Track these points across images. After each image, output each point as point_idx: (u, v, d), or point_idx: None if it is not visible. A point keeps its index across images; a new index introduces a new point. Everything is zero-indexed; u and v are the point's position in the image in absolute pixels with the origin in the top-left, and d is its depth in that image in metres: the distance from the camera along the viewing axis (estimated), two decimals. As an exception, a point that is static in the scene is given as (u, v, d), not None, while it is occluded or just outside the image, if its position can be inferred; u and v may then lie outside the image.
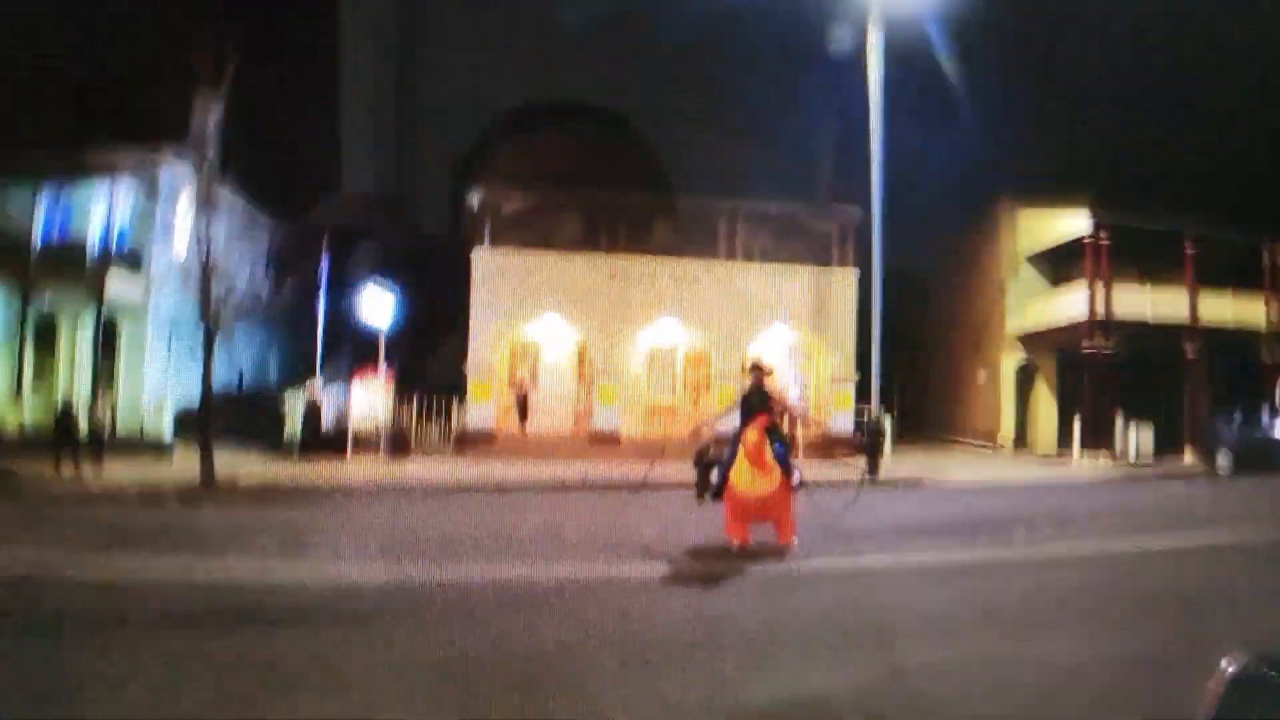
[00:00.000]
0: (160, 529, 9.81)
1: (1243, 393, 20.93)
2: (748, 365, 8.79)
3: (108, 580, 6.87)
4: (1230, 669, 1.25)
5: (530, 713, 4.17)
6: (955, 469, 18.38)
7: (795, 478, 8.30)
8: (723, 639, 5.42)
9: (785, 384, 18.92)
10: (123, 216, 19.82)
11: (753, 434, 7.97)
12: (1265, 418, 18.25)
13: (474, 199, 20.97)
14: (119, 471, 14.40)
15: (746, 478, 7.95)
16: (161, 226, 19.45)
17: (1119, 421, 20.90)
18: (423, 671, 4.72)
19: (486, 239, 20.73)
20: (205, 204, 14.48)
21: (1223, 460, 18.18)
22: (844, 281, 21.50)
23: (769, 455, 8.00)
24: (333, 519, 11.11)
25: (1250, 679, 1.25)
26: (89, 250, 19.23)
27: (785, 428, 8.65)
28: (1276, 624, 5.41)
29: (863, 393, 20.74)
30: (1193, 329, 22.13)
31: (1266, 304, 22.98)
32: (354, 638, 5.34)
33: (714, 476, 8.48)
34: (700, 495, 12.61)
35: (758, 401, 8.39)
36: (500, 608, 6.21)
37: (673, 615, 6.06)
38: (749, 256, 21.85)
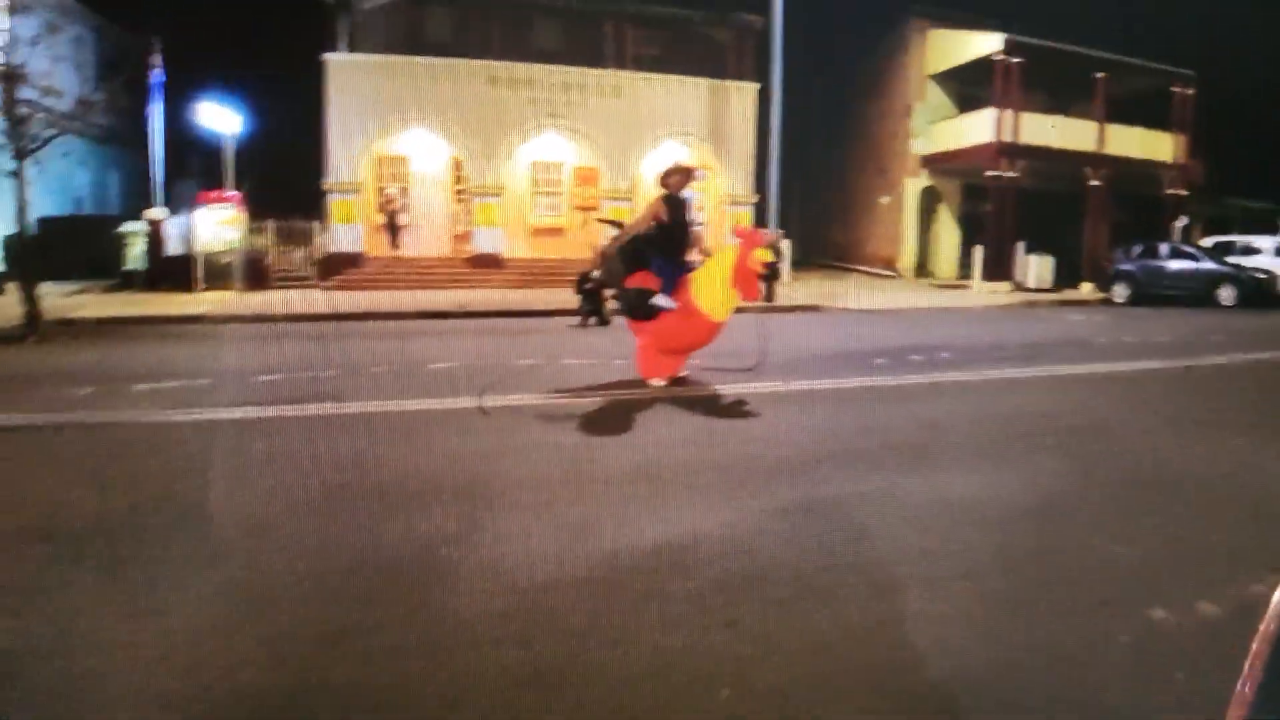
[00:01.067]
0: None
1: (1143, 225, 21.22)
2: (667, 168, 7.00)
3: None
4: None
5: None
6: (854, 295, 17.85)
7: None
8: (588, 470, 4.67)
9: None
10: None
11: (769, 235, 6.67)
12: (1163, 251, 18.42)
13: (327, -8, 18.48)
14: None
15: (722, 297, 6.32)
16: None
17: (1020, 250, 20.70)
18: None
19: (343, 42, 18.44)
20: None
21: (1119, 291, 18.30)
22: (743, 97, 20.09)
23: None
24: (158, 357, 9.49)
25: None
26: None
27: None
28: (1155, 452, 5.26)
29: (760, 217, 19.84)
30: (1098, 157, 21.88)
31: (1174, 139, 22.86)
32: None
33: (661, 302, 6.52)
34: (584, 321, 11.61)
35: (682, 212, 6.69)
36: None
37: (538, 447, 5.21)
38: (640, 66, 20.10)
